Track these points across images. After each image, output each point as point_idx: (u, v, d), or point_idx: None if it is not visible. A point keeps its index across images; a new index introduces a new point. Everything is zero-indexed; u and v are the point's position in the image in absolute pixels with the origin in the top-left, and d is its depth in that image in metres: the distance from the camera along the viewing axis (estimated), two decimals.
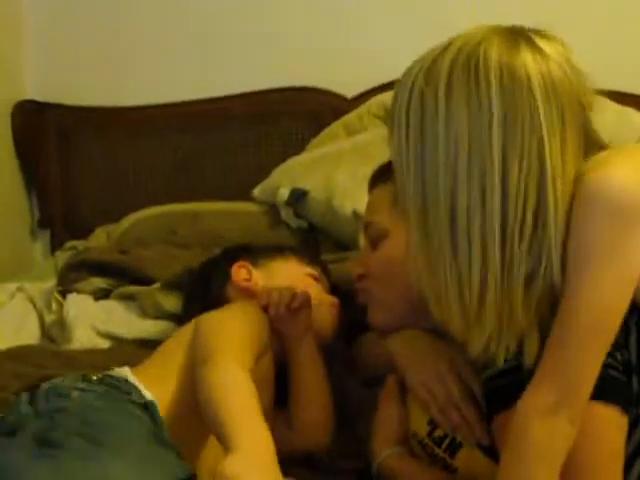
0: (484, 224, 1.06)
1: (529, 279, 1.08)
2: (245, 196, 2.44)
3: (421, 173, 1.10)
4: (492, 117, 1.06)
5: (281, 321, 1.45)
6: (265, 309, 1.46)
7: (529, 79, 1.07)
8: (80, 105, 2.77)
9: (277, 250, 1.66)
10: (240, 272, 1.56)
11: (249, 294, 1.53)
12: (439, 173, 1.08)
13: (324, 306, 1.54)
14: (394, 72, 2.56)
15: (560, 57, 1.12)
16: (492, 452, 1.25)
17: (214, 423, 1.10)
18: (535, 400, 1.07)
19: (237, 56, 2.73)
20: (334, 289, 1.67)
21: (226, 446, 1.05)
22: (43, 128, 2.76)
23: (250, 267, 1.57)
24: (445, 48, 1.12)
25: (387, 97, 2.50)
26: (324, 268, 1.67)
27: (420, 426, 1.36)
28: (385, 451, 1.37)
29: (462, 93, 1.07)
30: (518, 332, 1.11)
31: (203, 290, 1.60)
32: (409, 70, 1.16)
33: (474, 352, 1.14)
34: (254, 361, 1.25)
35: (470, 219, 1.07)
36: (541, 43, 1.12)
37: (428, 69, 1.11)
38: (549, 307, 1.10)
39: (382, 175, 1.49)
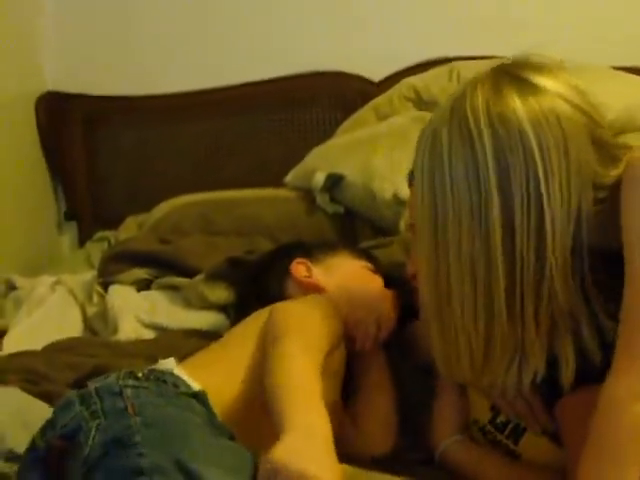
0: (489, 266, 1.07)
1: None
2: (274, 182, 2.41)
3: (434, 220, 1.11)
4: (487, 164, 1.07)
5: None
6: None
7: (519, 122, 1.07)
8: (104, 94, 2.75)
9: (330, 246, 1.65)
10: (300, 269, 1.55)
11: (312, 290, 1.51)
12: (447, 223, 1.10)
13: (387, 301, 1.51)
14: (421, 54, 2.61)
15: (561, 87, 1.11)
16: (558, 438, 1.24)
17: (271, 405, 1.10)
18: (627, 386, 1.04)
19: (263, 42, 2.70)
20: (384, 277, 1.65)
21: (279, 430, 1.03)
22: (67, 119, 2.74)
23: (309, 264, 1.55)
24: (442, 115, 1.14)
25: (416, 79, 2.48)
26: (375, 260, 1.64)
27: (482, 412, 1.34)
28: (446, 440, 1.35)
29: (460, 155, 1.09)
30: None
31: (260, 287, 1.58)
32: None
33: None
34: (323, 355, 1.23)
35: (475, 262, 1.08)
36: (536, 78, 1.11)
37: (432, 143, 1.13)
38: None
39: None
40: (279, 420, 1.05)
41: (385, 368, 1.47)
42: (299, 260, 1.56)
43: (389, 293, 1.53)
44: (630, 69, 2.42)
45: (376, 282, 1.54)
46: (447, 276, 1.11)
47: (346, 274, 1.54)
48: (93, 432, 1.07)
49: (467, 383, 1.26)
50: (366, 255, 1.64)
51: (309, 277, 1.53)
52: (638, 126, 2.26)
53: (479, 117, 1.08)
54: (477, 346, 1.11)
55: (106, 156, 2.74)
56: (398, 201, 2.02)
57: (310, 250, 1.60)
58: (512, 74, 1.14)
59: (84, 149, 2.74)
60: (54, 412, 1.15)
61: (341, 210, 2.17)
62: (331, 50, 2.67)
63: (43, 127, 2.72)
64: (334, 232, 2.15)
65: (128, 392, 1.13)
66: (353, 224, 2.17)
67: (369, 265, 1.58)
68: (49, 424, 1.13)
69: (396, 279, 1.57)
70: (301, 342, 1.19)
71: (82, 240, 2.71)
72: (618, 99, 2.15)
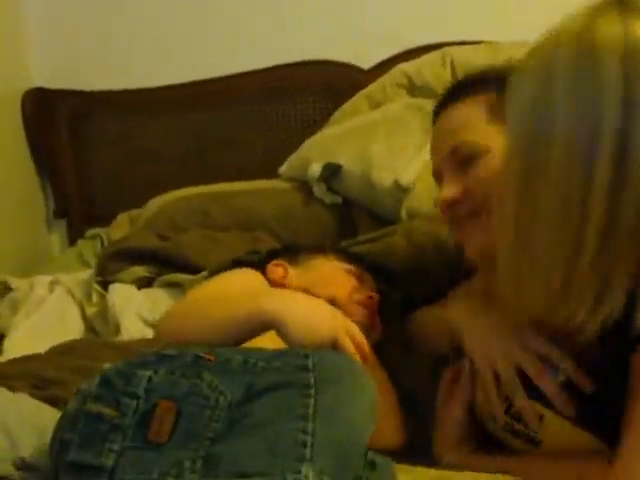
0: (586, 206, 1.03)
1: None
2: (265, 174, 2.39)
3: (527, 158, 1.07)
4: (611, 102, 1.01)
5: None
6: None
7: None
8: (90, 90, 2.70)
9: (319, 249, 1.65)
10: (275, 270, 1.54)
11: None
12: (547, 160, 1.05)
13: (354, 305, 1.49)
14: (411, 40, 2.58)
15: None
16: (582, 421, 1.22)
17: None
18: None
19: (248, 32, 2.67)
20: (379, 269, 1.65)
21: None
22: (54, 116, 2.70)
23: (287, 265, 1.54)
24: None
25: (408, 66, 2.46)
26: (365, 267, 1.63)
27: (495, 404, 1.31)
28: (448, 455, 1.33)
29: (580, 87, 1.04)
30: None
31: None
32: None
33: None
34: None
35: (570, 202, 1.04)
36: None
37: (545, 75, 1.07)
38: None
39: (468, 87, 1.37)
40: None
41: (377, 365, 1.44)
42: (275, 262, 1.55)
43: (365, 298, 1.51)
44: None
45: (350, 285, 1.52)
46: (533, 216, 1.07)
47: (325, 274, 1.53)
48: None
49: (537, 317, 1.19)
50: (353, 258, 1.63)
51: (284, 278, 1.52)
52: None
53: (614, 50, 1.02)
54: (556, 282, 1.06)
55: (94, 152, 2.70)
56: (399, 188, 1.99)
57: (296, 252, 1.60)
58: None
59: (71, 145, 2.70)
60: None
61: (339, 200, 2.15)
62: (318, 39, 2.64)
63: (30, 124, 2.68)
64: (332, 223, 2.13)
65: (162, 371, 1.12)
66: (351, 214, 2.15)
67: (351, 268, 1.56)
68: None
69: (391, 269, 1.55)
70: None
71: (72, 238, 2.68)
72: None
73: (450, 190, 1.35)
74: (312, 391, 1.03)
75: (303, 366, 1.06)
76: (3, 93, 2.61)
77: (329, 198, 2.14)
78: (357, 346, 1.20)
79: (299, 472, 0.93)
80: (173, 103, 2.69)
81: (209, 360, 1.10)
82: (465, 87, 1.38)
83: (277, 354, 1.11)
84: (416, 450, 1.37)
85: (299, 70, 2.66)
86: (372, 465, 1.08)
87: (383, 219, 2.07)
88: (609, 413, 1.18)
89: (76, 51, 2.73)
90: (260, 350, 1.14)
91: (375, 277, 1.64)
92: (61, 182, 2.71)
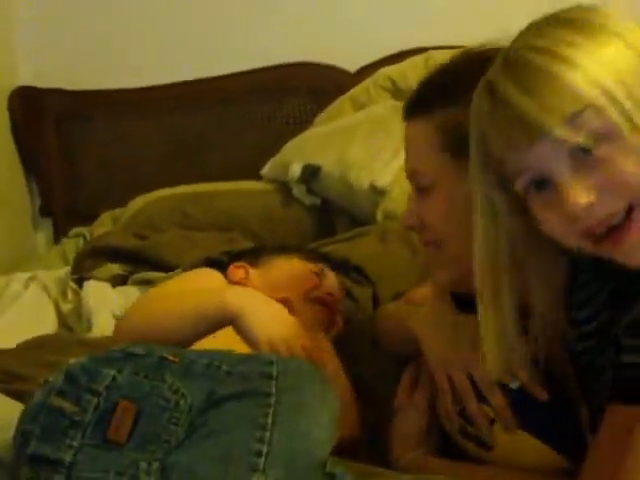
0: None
1: None
2: (250, 176, 2.40)
3: None
4: None
5: None
6: None
7: None
8: (78, 89, 2.71)
9: (281, 249, 1.67)
10: (237, 272, 1.55)
11: None
12: None
13: (310, 302, 1.50)
14: (397, 44, 2.59)
15: None
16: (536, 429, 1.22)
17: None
18: None
19: (236, 33, 2.68)
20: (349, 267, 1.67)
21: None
22: (41, 114, 2.70)
23: (247, 267, 1.56)
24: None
25: (393, 69, 2.48)
26: (331, 265, 1.65)
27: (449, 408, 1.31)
28: (405, 457, 1.32)
29: None
30: None
31: None
32: None
33: None
34: None
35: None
36: None
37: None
38: None
39: (422, 103, 1.23)
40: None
41: (333, 362, 1.44)
42: (237, 264, 1.57)
43: (321, 293, 1.52)
44: None
45: (308, 282, 1.53)
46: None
47: (285, 274, 1.55)
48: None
49: None
50: (317, 258, 1.64)
51: (245, 279, 1.54)
52: None
53: None
54: None
55: (80, 151, 2.71)
56: (375, 190, 2.01)
57: (258, 254, 1.62)
58: None
59: (58, 144, 2.71)
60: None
61: (318, 202, 2.16)
62: (306, 41, 2.65)
63: (16, 122, 2.69)
64: (311, 224, 2.15)
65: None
66: (330, 215, 2.16)
67: (312, 266, 1.57)
68: None
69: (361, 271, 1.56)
70: None
71: (58, 236, 2.68)
72: None
73: (408, 218, 1.30)
74: (272, 400, 1.03)
75: (267, 373, 1.06)
76: None
77: (308, 199, 2.16)
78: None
79: None
80: (160, 103, 2.71)
81: (173, 362, 1.11)
82: (421, 101, 1.24)
83: (243, 358, 1.11)
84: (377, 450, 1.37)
85: (286, 72, 2.68)
86: (331, 478, 1.06)
87: (361, 221, 2.08)
88: (566, 422, 1.19)
89: (64, 50, 2.74)
90: (226, 353, 1.15)
91: (345, 275, 1.66)
92: (47, 180, 2.72)
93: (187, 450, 1.00)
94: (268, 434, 0.99)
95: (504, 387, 1.22)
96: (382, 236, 1.79)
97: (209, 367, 1.09)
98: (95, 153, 2.71)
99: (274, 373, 1.06)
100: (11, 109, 2.68)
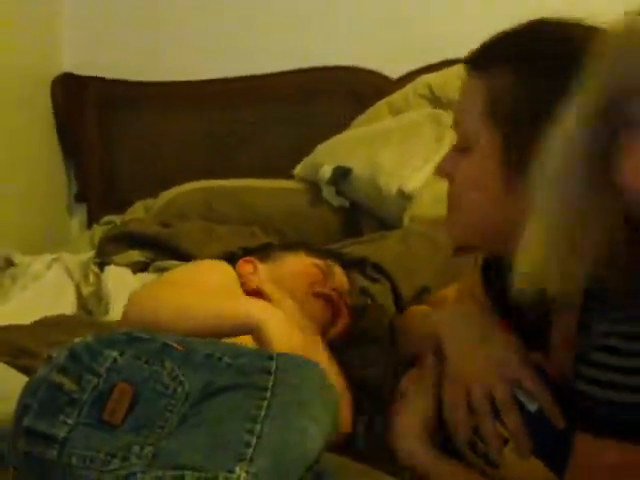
0: None
1: None
2: (286, 174, 2.40)
3: None
4: None
5: None
6: None
7: None
8: (120, 79, 2.75)
9: (290, 246, 1.70)
10: (245, 266, 1.56)
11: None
12: None
13: (313, 297, 1.51)
14: (439, 53, 2.58)
15: None
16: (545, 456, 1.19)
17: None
18: None
19: (281, 33, 2.69)
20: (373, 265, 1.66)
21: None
22: (82, 102, 2.74)
23: (255, 262, 1.57)
24: None
25: (432, 77, 2.47)
26: (341, 263, 1.65)
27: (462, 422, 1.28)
28: (423, 453, 1.29)
29: None
30: None
31: None
32: None
33: None
34: None
35: None
36: None
37: None
38: None
39: (482, 61, 1.18)
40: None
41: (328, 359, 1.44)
42: (246, 259, 1.58)
43: (326, 289, 1.52)
44: None
45: (313, 278, 1.54)
46: None
47: (292, 268, 1.56)
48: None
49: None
50: (327, 255, 1.65)
51: (253, 274, 1.54)
52: None
53: None
54: None
55: (119, 140, 2.74)
56: (402, 195, 2.00)
57: (268, 250, 1.65)
58: None
59: (98, 132, 2.74)
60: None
61: (346, 204, 2.16)
62: (351, 45, 2.66)
63: (58, 109, 2.73)
64: (337, 225, 2.15)
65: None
66: (358, 218, 2.16)
67: (319, 262, 1.58)
68: None
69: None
70: None
71: (91, 222, 2.71)
72: None
73: (442, 164, 1.26)
74: (267, 394, 1.03)
75: (265, 368, 1.06)
76: (35, 76, 2.66)
77: (337, 201, 2.15)
78: None
79: (232, 471, 0.92)
80: (201, 98, 2.73)
81: (176, 349, 1.12)
82: (483, 58, 1.19)
83: (244, 352, 1.11)
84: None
85: (328, 74, 2.68)
86: (318, 477, 1.07)
87: (388, 225, 2.07)
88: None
89: (109, 39, 2.78)
90: (230, 346, 1.15)
91: (361, 273, 1.66)
92: (84, 167, 2.76)
93: (176, 437, 1.00)
94: (259, 426, 0.98)
95: (521, 409, 1.20)
96: (404, 237, 1.79)
97: (210, 357, 1.09)
98: (133, 143, 2.74)
99: (273, 368, 1.06)
100: (54, 95, 2.72)
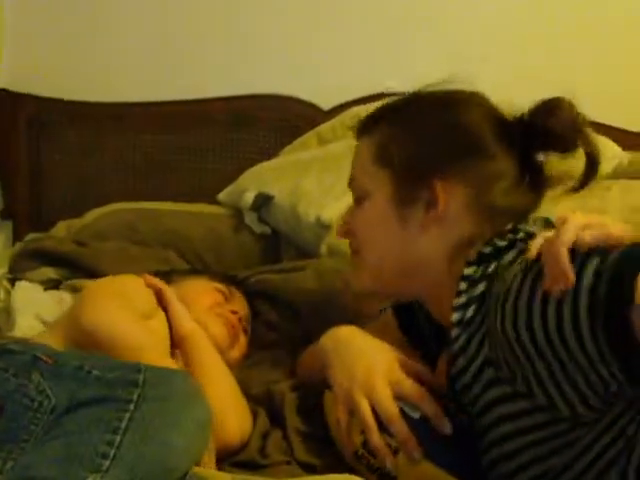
0: None
1: None
2: (213, 200, 2.41)
3: None
4: None
5: None
6: None
7: None
8: (54, 97, 2.73)
9: (193, 271, 1.80)
10: None
11: None
12: None
13: (211, 319, 1.54)
14: (371, 86, 2.62)
15: None
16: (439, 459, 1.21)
17: None
18: None
19: (218, 59, 2.71)
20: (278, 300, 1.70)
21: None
22: (14, 118, 2.71)
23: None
24: None
25: (361, 109, 2.47)
26: (242, 290, 1.72)
27: (354, 435, 1.29)
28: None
29: None
30: None
31: None
32: None
33: None
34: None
35: None
36: None
37: None
38: None
39: (366, 127, 1.40)
40: None
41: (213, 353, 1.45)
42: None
43: (224, 311, 1.56)
44: None
45: (211, 301, 1.59)
46: None
47: (192, 291, 1.60)
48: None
49: None
50: (229, 281, 1.70)
51: None
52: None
53: None
54: None
55: (49, 159, 2.71)
56: (320, 224, 2.01)
57: (174, 275, 1.70)
58: None
59: (27, 150, 2.71)
60: None
61: (268, 231, 2.17)
62: (283, 74, 2.68)
63: None
64: (258, 251, 2.16)
65: None
66: (278, 245, 2.17)
67: (219, 287, 1.63)
68: None
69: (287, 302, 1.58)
70: None
71: (16, 240, 2.68)
72: None
73: (340, 226, 1.43)
74: (131, 406, 1.03)
75: (133, 381, 1.07)
76: None
77: (259, 228, 2.17)
78: None
79: None
80: (134, 120, 2.71)
81: (46, 362, 1.11)
82: (366, 124, 1.41)
83: (115, 365, 1.12)
84: None
85: (259, 102, 2.69)
86: None
87: (306, 253, 2.08)
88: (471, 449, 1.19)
89: (45, 57, 2.75)
90: (102, 358, 1.15)
91: (272, 307, 1.67)
92: (12, 184, 2.72)
93: (34, 449, 1.00)
94: (119, 438, 0.99)
95: (406, 417, 1.22)
96: (319, 274, 1.81)
97: (80, 370, 1.10)
98: (63, 163, 2.71)
99: (140, 381, 1.06)
100: None
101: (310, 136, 2.49)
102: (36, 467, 0.95)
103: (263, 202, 2.13)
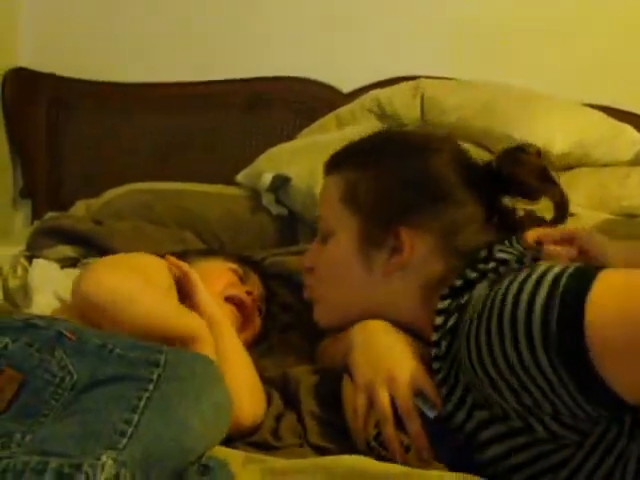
0: None
1: None
2: (231, 182, 2.41)
3: None
4: None
5: None
6: None
7: None
8: (74, 77, 2.74)
9: (208, 252, 1.77)
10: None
11: None
12: None
13: (224, 300, 1.53)
14: (390, 70, 2.61)
15: None
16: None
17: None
18: None
19: (237, 41, 2.71)
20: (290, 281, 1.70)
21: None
22: (34, 97, 2.73)
23: None
24: None
25: (381, 93, 2.49)
26: (254, 266, 1.70)
27: (369, 425, 1.29)
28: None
29: None
30: None
31: None
32: None
33: None
34: None
35: None
36: None
37: None
38: None
39: (336, 163, 1.44)
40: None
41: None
42: None
43: (238, 292, 1.55)
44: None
45: (225, 281, 1.57)
46: None
47: (207, 271, 1.57)
48: None
49: None
50: (244, 262, 1.68)
51: None
52: (591, 161, 2.26)
53: None
54: None
55: (68, 138, 2.74)
56: None
57: (190, 255, 1.66)
58: None
59: (47, 129, 2.73)
60: None
61: (285, 212, 2.17)
62: (304, 57, 2.68)
63: (8, 102, 2.71)
64: (275, 233, 2.15)
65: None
66: (295, 226, 2.16)
67: (234, 267, 1.61)
68: None
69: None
70: None
71: (35, 219, 2.69)
72: (570, 134, 2.17)
73: (305, 260, 1.46)
74: (151, 386, 1.04)
75: (154, 361, 1.07)
76: None
77: (276, 209, 2.16)
78: None
79: (99, 459, 0.91)
80: (154, 101, 2.73)
81: (70, 339, 1.12)
82: (337, 160, 1.45)
83: (137, 345, 1.12)
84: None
85: (281, 84, 2.70)
86: (204, 469, 1.06)
87: None
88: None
89: (67, 36, 2.77)
90: (126, 338, 1.16)
91: (288, 289, 1.67)
92: (31, 163, 2.74)
93: (52, 424, 1.00)
94: (137, 417, 0.99)
95: (421, 416, 1.22)
96: None
97: (102, 348, 1.10)
98: (82, 142, 2.73)
99: (161, 361, 1.07)
100: (4, 88, 2.70)
101: (329, 119, 2.48)
102: (52, 441, 0.95)
103: (281, 183, 2.12)
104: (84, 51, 2.76)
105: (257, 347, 1.54)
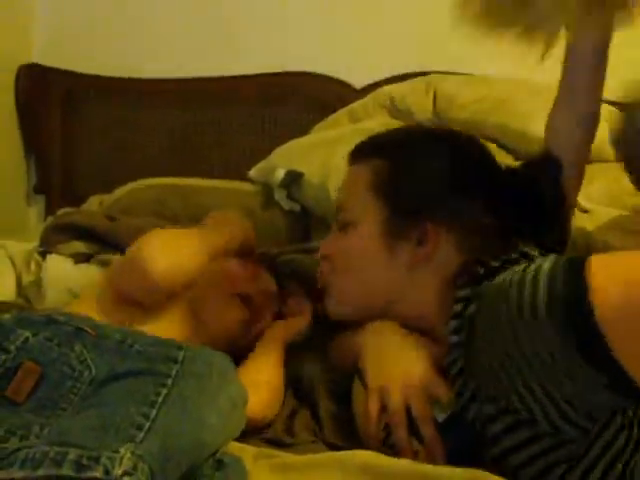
0: None
1: None
2: (243, 177, 2.41)
3: None
4: None
5: None
6: None
7: None
8: (87, 73, 2.75)
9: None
10: None
11: None
12: None
13: (234, 296, 1.52)
14: (403, 65, 2.60)
15: None
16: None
17: None
18: None
19: (250, 36, 2.71)
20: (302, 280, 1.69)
21: None
22: (48, 93, 2.74)
23: None
24: None
25: (394, 88, 2.48)
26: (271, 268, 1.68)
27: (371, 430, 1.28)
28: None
29: None
30: None
31: None
32: None
33: None
34: None
35: None
36: None
37: None
38: None
39: (363, 152, 1.42)
40: None
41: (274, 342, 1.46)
42: None
43: (248, 289, 1.54)
44: None
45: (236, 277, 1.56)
46: None
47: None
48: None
49: None
50: (256, 258, 1.67)
51: None
52: (606, 156, 2.25)
53: None
54: None
55: (82, 134, 2.75)
56: None
57: None
58: None
59: (61, 124, 2.75)
60: None
61: (297, 208, 2.17)
62: (318, 52, 2.67)
63: (22, 97, 2.72)
64: (287, 229, 2.15)
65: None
66: (307, 222, 2.16)
67: (246, 264, 1.59)
68: None
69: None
70: None
71: (49, 214, 2.70)
72: None
73: (323, 247, 1.44)
74: (169, 381, 1.04)
75: (172, 357, 1.08)
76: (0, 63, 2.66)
77: (288, 204, 2.16)
78: None
79: (117, 452, 0.92)
80: (167, 97, 2.74)
81: (89, 334, 1.13)
82: (364, 149, 1.43)
83: (157, 341, 1.13)
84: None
85: (292, 79, 2.70)
86: (218, 464, 1.07)
87: None
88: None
89: (81, 32, 2.79)
90: (145, 334, 1.16)
91: (301, 286, 1.66)
92: (45, 159, 2.76)
93: (72, 416, 1.01)
94: (155, 411, 0.99)
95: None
96: None
97: (121, 344, 1.11)
98: (96, 138, 2.75)
99: (180, 358, 1.07)
100: (18, 83, 2.71)
101: (342, 114, 2.48)
102: (70, 434, 0.95)
103: (293, 179, 2.12)
104: (97, 47, 2.77)
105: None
